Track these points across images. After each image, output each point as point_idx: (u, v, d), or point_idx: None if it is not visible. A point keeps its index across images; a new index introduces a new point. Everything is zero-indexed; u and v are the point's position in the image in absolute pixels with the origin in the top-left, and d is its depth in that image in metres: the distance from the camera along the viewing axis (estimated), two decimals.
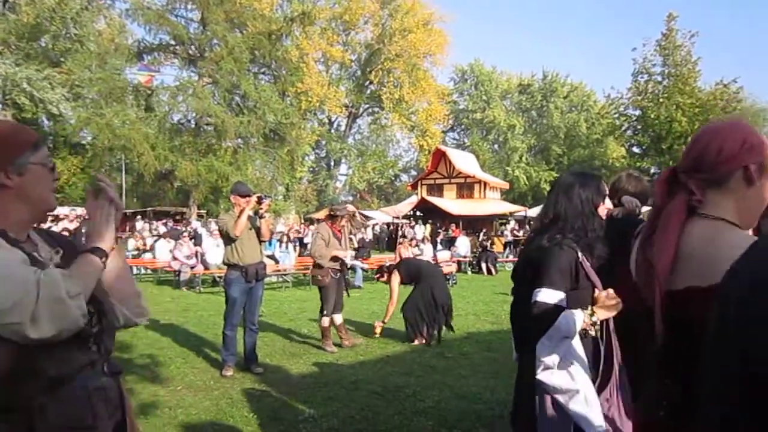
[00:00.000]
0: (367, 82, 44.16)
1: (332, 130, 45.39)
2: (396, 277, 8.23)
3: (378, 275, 9.10)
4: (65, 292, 1.36)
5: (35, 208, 1.58)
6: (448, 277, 13.20)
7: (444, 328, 7.89)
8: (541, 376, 2.37)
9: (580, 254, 2.48)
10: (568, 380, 2.32)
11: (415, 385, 5.69)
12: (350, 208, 8.18)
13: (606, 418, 2.36)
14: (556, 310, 2.36)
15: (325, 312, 7.27)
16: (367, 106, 46.09)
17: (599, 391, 2.40)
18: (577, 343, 2.38)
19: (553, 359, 2.34)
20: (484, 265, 18.64)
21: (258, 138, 29.30)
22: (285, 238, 17.65)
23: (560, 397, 2.33)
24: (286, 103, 32.46)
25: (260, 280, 6.31)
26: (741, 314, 0.77)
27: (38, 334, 1.32)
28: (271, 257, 14.77)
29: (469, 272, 18.65)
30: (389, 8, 41.73)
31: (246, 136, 28.93)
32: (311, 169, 44.92)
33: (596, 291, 2.46)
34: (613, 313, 2.43)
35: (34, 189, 1.55)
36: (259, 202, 6.19)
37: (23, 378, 1.40)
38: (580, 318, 2.36)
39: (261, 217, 6.25)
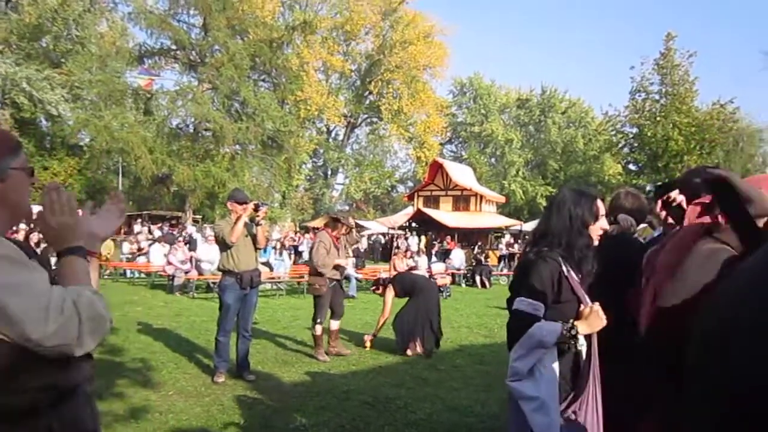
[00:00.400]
0: (367, 93, 44.33)
1: (330, 140, 45.52)
2: (390, 292, 8.22)
3: (374, 287, 9.11)
4: (102, 308, 1.37)
5: (14, 215, 1.53)
6: (442, 289, 13.21)
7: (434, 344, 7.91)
8: (510, 382, 2.43)
9: (564, 268, 2.50)
10: (533, 389, 2.35)
11: (407, 396, 5.68)
12: (351, 221, 8.17)
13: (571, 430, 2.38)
14: (532, 319, 2.40)
15: (318, 320, 7.27)
16: (366, 116, 46.24)
17: (570, 403, 2.42)
18: (551, 354, 2.39)
19: (522, 367, 2.38)
20: (478, 278, 18.67)
21: (256, 145, 29.38)
22: (280, 246, 17.65)
23: (523, 404, 2.37)
24: (285, 110, 32.56)
25: (255, 287, 6.31)
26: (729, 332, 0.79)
27: (83, 351, 1.34)
28: (266, 264, 14.76)
29: (464, 285, 18.66)
30: (390, 20, 41.97)
31: (244, 142, 29.00)
32: (308, 177, 44.94)
33: (582, 306, 2.48)
34: (596, 329, 2.43)
35: (15, 195, 1.49)
36: (256, 209, 6.21)
37: (45, 387, 1.40)
38: (556, 329, 2.37)
39: (257, 225, 6.26)
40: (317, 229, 9.79)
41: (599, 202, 2.66)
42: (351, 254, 16.38)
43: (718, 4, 79.42)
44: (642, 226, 4.50)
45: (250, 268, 6.19)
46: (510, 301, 2.62)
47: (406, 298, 8.19)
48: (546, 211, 2.73)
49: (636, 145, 30.32)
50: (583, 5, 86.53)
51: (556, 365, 2.39)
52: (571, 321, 2.41)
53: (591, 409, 2.45)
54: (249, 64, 28.40)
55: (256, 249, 6.37)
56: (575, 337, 2.39)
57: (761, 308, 0.73)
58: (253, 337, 6.74)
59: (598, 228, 2.64)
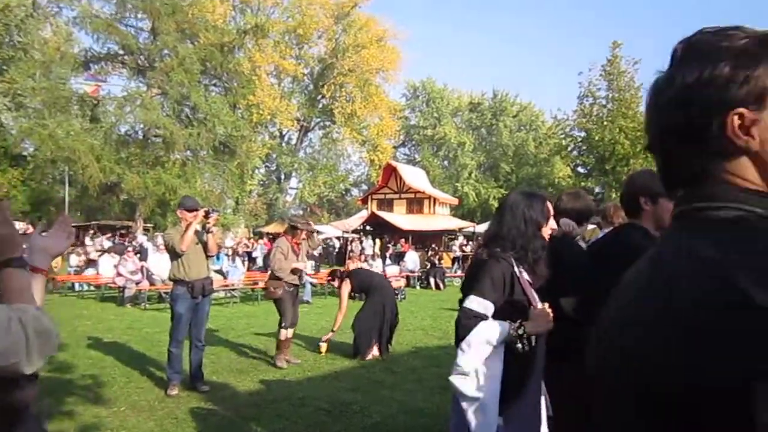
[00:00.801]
0: (320, 96, 44.15)
1: (283, 144, 45.17)
2: (346, 286, 8.25)
3: (329, 278, 9.10)
4: (48, 323, 1.36)
5: None
6: (396, 291, 13.29)
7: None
8: (453, 379, 2.44)
9: (516, 268, 2.56)
10: (474, 388, 2.38)
11: (363, 401, 5.72)
12: (311, 225, 8.22)
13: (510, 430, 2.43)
14: (480, 317, 2.44)
15: (283, 325, 7.26)
16: (319, 120, 46.07)
17: (512, 403, 2.44)
18: (497, 353, 2.42)
19: (467, 365, 2.40)
20: (432, 280, 18.84)
21: (207, 150, 28.93)
22: (233, 253, 17.47)
23: (462, 403, 2.40)
24: (237, 115, 32.17)
25: (207, 296, 6.26)
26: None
27: (32, 369, 1.33)
28: (219, 272, 14.60)
29: (418, 287, 18.81)
30: (343, 23, 41.95)
31: (195, 148, 28.52)
32: (261, 182, 44.53)
33: (532, 306, 2.53)
34: (544, 329, 2.48)
35: None
36: (207, 216, 6.16)
37: (10, 408, 1.39)
38: (503, 328, 2.42)
39: (208, 232, 6.21)
40: (271, 234, 9.77)
41: (549, 204, 2.75)
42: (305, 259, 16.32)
43: (663, 12, 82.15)
44: (591, 227, 4.62)
45: (201, 277, 6.14)
46: (462, 301, 2.68)
47: (363, 301, 8.27)
48: (497, 214, 2.77)
49: (584, 148, 31.04)
50: (534, 10, 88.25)
51: (500, 365, 2.42)
52: (519, 321, 2.45)
53: (533, 409, 2.50)
54: (199, 68, 27.95)
55: (208, 257, 6.33)
56: (522, 337, 2.43)
57: (655, 305, 0.81)
58: (207, 347, 6.69)
59: (549, 229, 2.73)
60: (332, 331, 8.14)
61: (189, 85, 27.09)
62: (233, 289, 14.48)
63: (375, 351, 7.76)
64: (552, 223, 2.76)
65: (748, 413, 0.65)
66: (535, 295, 2.60)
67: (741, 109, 0.80)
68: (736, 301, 0.68)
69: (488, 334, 2.40)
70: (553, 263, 2.76)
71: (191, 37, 29.29)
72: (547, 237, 2.71)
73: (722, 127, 0.81)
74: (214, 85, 32.46)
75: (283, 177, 45.53)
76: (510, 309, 2.51)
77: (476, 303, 2.47)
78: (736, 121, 0.80)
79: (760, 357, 0.65)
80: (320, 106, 44.75)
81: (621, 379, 0.81)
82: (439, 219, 30.11)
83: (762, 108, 0.80)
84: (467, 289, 2.59)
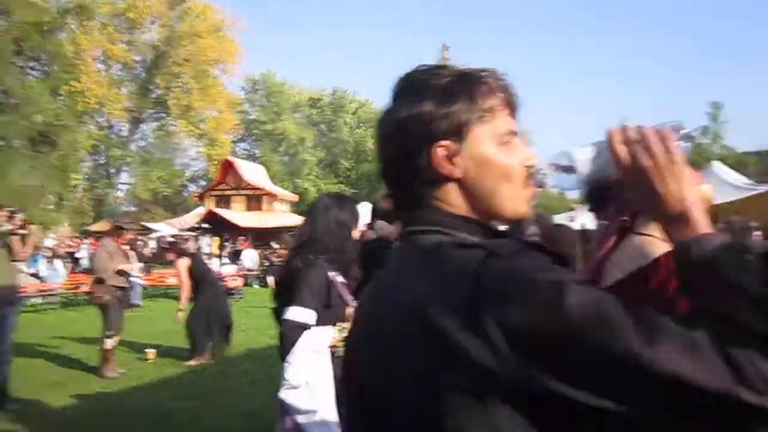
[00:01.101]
0: (153, 86, 41.88)
1: (113, 135, 42.24)
2: (185, 262, 7.92)
3: (166, 248, 8.76)
4: None
5: None
6: (233, 291, 13.03)
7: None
8: (284, 394, 2.41)
9: (331, 273, 2.62)
10: (309, 400, 2.37)
11: (194, 408, 5.58)
12: (137, 225, 7.93)
13: None
14: (304, 327, 2.46)
15: (107, 333, 6.85)
16: (153, 111, 43.63)
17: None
18: (324, 361, 2.45)
19: (295, 378, 2.39)
20: (270, 278, 18.66)
21: (23, 141, 26.37)
22: (52, 254, 16.09)
23: (299, 417, 2.37)
24: (59, 102, 29.66)
25: (13, 305, 5.74)
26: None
27: None
28: (35, 276, 13.42)
29: (256, 286, 18.53)
30: (178, 10, 40.15)
31: (8, 137, 25.89)
32: (88, 176, 41.25)
33: (348, 308, 2.60)
34: None
35: None
36: (10, 217, 5.65)
37: None
38: (327, 335, 2.48)
39: (13, 234, 5.68)
40: (99, 233, 9.23)
41: (357, 207, 2.86)
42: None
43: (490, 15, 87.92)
44: None
45: (4, 284, 5.60)
46: (278, 311, 2.66)
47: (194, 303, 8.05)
48: (309, 217, 2.81)
49: None
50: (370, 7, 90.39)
51: (330, 371, 2.44)
52: (340, 324, 2.52)
53: None
54: (13, 48, 25.43)
55: (13, 261, 5.79)
56: (344, 340, 2.51)
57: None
58: (21, 359, 6.17)
59: (358, 232, 2.84)
60: (180, 309, 7.76)
61: (0, 68, 24.53)
62: (53, 294, 13.37)
63: (208, 355, 7.60)
64: (361, 226, 2.87)
65: (441, 424, 0.77)
66: (351, 298, 2.67)
67: (444, 142, 0.91)
68: (425, 323, 0.79)
69: (314, 342, 2.42)
70: (366, 266, 2.86)
71: (3, 13, 26.58)
72: (356, 239, 2.81)
73: (429, 158, 0.91)
74: (32, 68, 29.73)
75: (113, 171, 42.57)
76: (329, 314, 2.56)
77: (298, 313, 2.47)
78: (441, 152, 0.91)
79: (441, 371, 0.77)
80: (154, 96, 42.44)
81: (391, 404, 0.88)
82: (278, 216, 29.95)
83: (462, 140, 0.91)
84: (286, 300, 2.58)
